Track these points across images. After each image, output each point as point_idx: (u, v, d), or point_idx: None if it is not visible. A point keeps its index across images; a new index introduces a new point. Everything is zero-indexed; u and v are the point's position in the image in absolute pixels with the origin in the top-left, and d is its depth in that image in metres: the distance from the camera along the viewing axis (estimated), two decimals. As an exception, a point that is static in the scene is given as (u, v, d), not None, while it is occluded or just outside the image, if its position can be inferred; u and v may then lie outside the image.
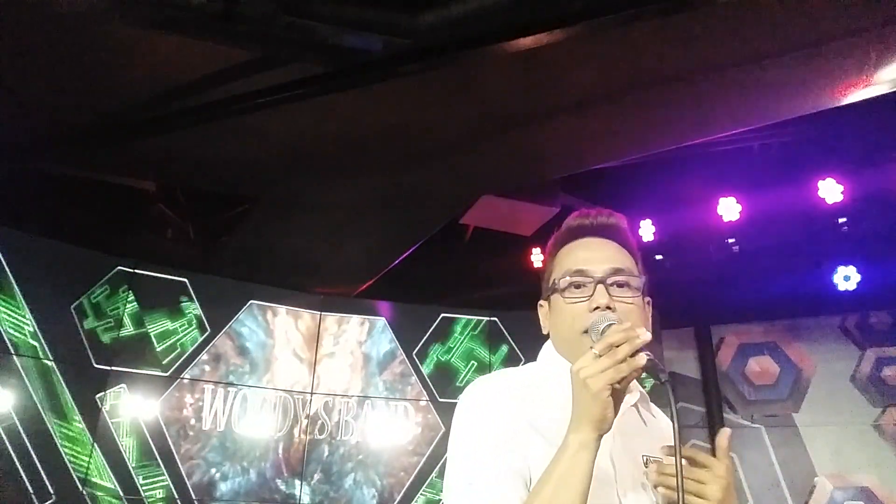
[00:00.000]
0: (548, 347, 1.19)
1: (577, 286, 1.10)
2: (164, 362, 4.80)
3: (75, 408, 4.34)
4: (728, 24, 2.79)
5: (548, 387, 1.10)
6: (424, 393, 5.50)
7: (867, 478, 5.13)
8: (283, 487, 5.06)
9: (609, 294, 1.07)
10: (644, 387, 1.18)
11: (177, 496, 4.62)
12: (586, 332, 1.04)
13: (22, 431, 4.07)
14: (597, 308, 1.05)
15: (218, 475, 4.84)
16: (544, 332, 1.19)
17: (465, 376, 5.61)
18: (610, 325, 0.99)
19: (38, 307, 4.30)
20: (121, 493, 4.39)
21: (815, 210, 4.53)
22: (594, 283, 1.08)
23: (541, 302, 1.21)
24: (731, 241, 4.88)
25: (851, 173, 4.43)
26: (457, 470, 1.03)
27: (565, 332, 1.10)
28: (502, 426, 1.03)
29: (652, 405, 1.19)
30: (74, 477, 4.23)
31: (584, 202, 4.84)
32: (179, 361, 4.86)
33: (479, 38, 2.81)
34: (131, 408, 4.59)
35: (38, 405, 4.18)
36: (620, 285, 1.09)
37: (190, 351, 4.92)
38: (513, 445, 1.01)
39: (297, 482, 5.12)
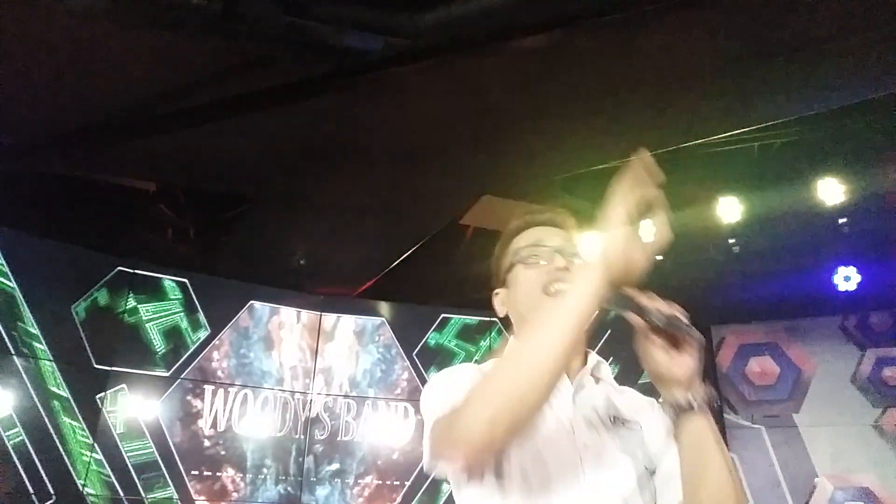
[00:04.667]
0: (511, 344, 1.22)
1: (535, 256, 1.17)
2: (164, 362, 4.80)
3: (75, 408, 4.34)
4: (728, 23, 2.79)
5: None
6: (424, 393, 5.49)
7: (868, 478, 5.12)
8: (283, 487, 5.06)
9: (566, 261, 1.15)
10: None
11: (177, 496, 4.62)
12: (546, 292, 1.11)
13: (22, 431, 4.08)
14: (560, 269, 1.13)
15: (218, 475, 4.84)
16: (501, 315, 1.23)
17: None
18: None
19: (38, 307, 4.30)
20: (121, 494, 4.39)
21: (815, 210, 4.53)
22: (551, 251, 1.16)
23: (496, 290, 1.25)
24: (731, 241, 4.89)
25: (851, 173, 4.43)
26: (430, 408, 1.06)
27: (527, 297, 1.15)
28: (472, 378, 1.06)
29: (607, 373, 1.21)
30: (74, 477, 4.23)
31: (583, 202, 4.83)
32: (180, 361, 4.86)
33: (479, 38, 2.81)
34: (131, 408, 4.59)
35: (38, 405, 4.18)
36: (572, 257, 1.17)
37: (190, 351, 4.92)
38: None
39: (298, 482, 5.12)
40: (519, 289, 1.18)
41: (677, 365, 0.97)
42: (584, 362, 1.16)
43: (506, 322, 1.25)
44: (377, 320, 5.67)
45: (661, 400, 1.03)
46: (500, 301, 1.24)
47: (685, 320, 0.97)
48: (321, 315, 5.56)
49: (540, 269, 1.15)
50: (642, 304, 0.97)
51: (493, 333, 5.75)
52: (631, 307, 0.98)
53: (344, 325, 5.61)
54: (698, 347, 0.98)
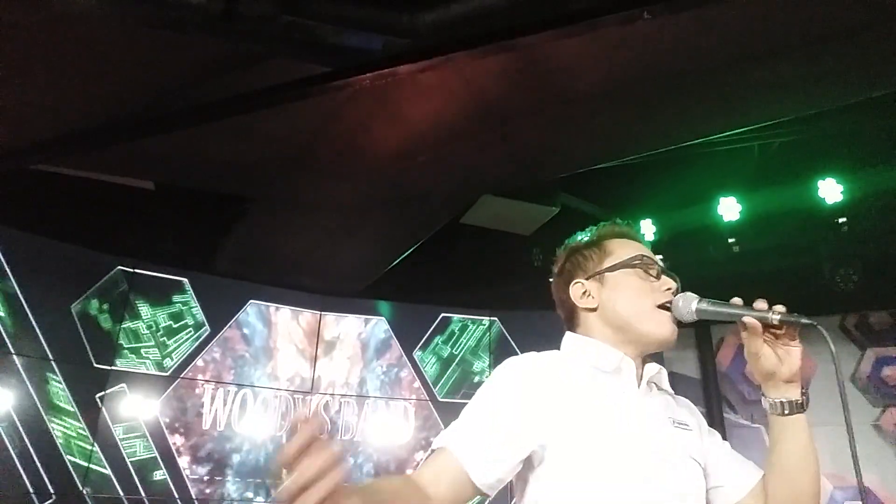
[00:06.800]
0: (569, 337, 1.26)
1: (647, 269, 1.22)
2: (164, 362, 4.80)
3: (75, 408, 4.34)
4: (728, 23, 2.79)
5: (573, 366, 1.18)
6: (424, 393, 5.50)
7: (867, 478, 5.12)
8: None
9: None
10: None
11: (177, 496, 4.61)
12: (661, 306, 1.17)
13: (22, 431, 4.07)
14: (668, 289, 1.20)
15: (218, 475, 4.84)
16: (581, 305, 1.24)
17: (464, 376, 5.61)
18: (699, 301, 1.15)
19: (38, 307, 4.29)
20: (121, 494, 4.39)
21: (815, 210, 4.54)
22: (659, 270, 1.23)
23: (580, 281, 1.26)
24: (731, 241, 4.89)
25: (851, 173, 4.43)
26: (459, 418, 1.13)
27: (638, 303, 1.19)
28: (513, 394, 1.11)
29: (665, 379, 1.26)
30: (74, 477, 4.23)
31: (584, 202, 4.84)
32: (179, 361, 4.86)
33: (479, 37, 2.81)
34: (131, 408, 4.59)
35: (38, 405, 4.18)
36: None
37: (190, 351, 4.92)
38: (516, 412, 1.08)
39: (297, 482, 5.11)
40: (626, 294, 1.20)
41: (787, 363, 1.08)
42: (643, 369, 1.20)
43: (570, 313, 1.26)
44: (377, 320, 5.66)
45: (768, 398, 1.13)
46: (586, 293, 1.24)
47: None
48: (321, 315, 5.56)
49: (655, 285, 1.21)
50: (756, 305, 1.10)
51: (491, 330, 5.76)
52: (741, 312, 1.09)
53: (343, 325, 5.61)
54: (801, 347, 1.08)
